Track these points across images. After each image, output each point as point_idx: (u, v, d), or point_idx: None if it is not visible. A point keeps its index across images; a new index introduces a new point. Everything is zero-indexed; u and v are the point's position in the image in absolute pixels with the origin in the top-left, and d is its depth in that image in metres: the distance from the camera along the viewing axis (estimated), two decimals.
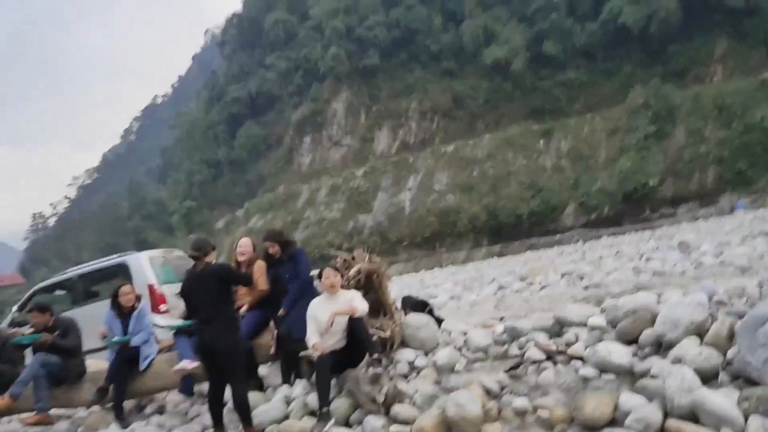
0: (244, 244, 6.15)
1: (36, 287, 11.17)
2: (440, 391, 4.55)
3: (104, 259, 11.16)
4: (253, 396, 5.30)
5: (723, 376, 3.71)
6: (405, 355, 5.41)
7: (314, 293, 5.69)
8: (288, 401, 5.18)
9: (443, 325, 6.06)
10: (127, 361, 6.32)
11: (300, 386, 5.30)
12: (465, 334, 5.76)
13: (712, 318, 4.07)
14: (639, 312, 4.33)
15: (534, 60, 59.76)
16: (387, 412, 4.38)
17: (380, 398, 4.43)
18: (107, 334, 6.50)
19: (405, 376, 5.07)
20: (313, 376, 5.37)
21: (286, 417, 4.97)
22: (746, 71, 49.63)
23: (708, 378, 3.69)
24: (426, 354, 5.49)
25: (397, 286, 15.87)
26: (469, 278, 19.08)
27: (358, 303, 5.05)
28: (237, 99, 74.16)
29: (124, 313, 6.59)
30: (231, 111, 74.68)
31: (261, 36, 76.37)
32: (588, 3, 61.16)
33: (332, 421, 4.57)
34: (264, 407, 5.17)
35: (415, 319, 5.77)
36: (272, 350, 5.79)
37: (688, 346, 3.81)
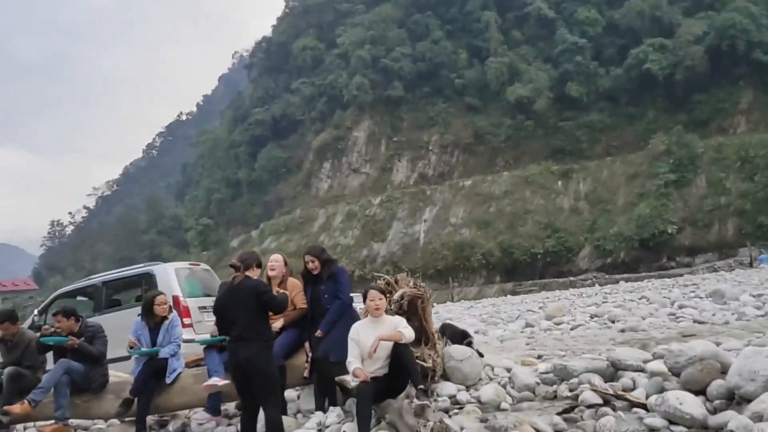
0: (276, 260, 5.82)
1: (57, 292, 11.12)
2: (487, 429, 4.31)
3: (129, 267, 11.13)
4: (284, 420, 5.03)
5: None
6: (446, 389, 5.19)
7: (354, 315, 5.52)
8: (321, 428, 4.98)
9: (484, 359, 5.84)
10: (153, 374, 6.06)
11: (335, 414, 5.05)
12: (509, 370, 5.57)
13: None
14: (707, 361, 4.17)
15: (557, 101, 60.10)
16: None
17: None
18: (134, 344, 6.24)
19: (446, 411, 4.84)
20: (347, 403, 5.26)
21: None
22: None
23: None
24: (467, 389, 5.28)
25: None
26: (486, 313, 18.89)
27: (404, 329, 4.79)
28: (260, 121, 75.11)
29: (153, 323, 6.36)
30: (254, 132, 75.59)
31: (288, 61, 77.59)
32: (614, 48, 61.67)
33: None
34: None
35: (459, 350, 5.55)
36: (306, 373, 5.54)
37: None
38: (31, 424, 6.77)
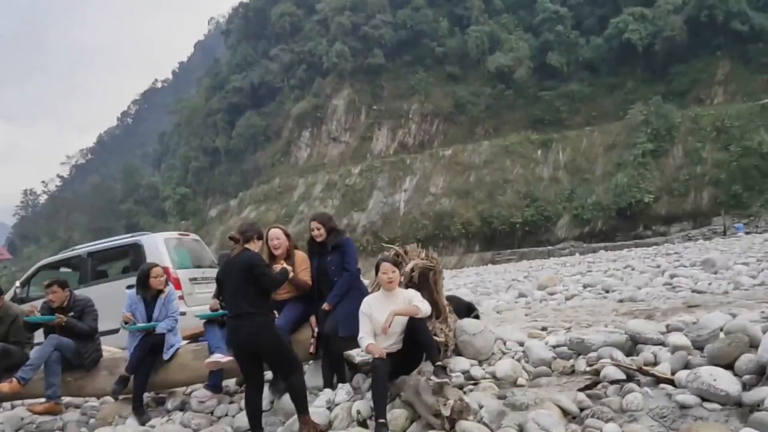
0: (277, 236, 5.37)
1: (40, 263, 10.69)
2: (506, 407, 4.17)
3: (116, 237, 10.80)
4: (288, 398, 4.82)
5: None
6: (459, 364, 5.00)
7: (362, 288, 5.30)
8: (330, 406, 4.75)
9: (495, 333, 5.59)
10: (150, 350, 5.77)
11: (344, 391, 4.85)
12: (521, 344, 5.42)
13: None
14: (735, 334, 4.09)
15: (537, 70, 60.05)
16: (451, 428, 3.97)
17: (446, 411, 3.98)
18: (129, 319, 5.89)
19: (460, 387, 4.65)
20: (354, 380, 5.12)
21: (330, 424, 4.55)
22: (747, 95, 50.07)
23: None
24: (480, 364, 5.11)
25: None
26: (471, 283, 18.92)
27: (419, 303, 4.57)
28: (238, 89, 73.84)
29: (149, 296, 6.00)
30: (231, 100, 74.36)
31: (266, 27, 76.10)
32: (594, 17, 61.52)
33: None
34: None
35: (471, 324, 5.34)
36: (312, 348, 5.31)
37: None
38: (20, 402, 6.45)
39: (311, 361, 5.55)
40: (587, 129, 54.84)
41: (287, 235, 5.55)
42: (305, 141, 68.05)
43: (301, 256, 5.53)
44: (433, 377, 4.41)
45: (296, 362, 4.59)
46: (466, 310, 5.84)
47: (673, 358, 4.35)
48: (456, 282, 21.50)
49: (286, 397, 4.87)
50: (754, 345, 4.06)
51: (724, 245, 22.11)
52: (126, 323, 5.94)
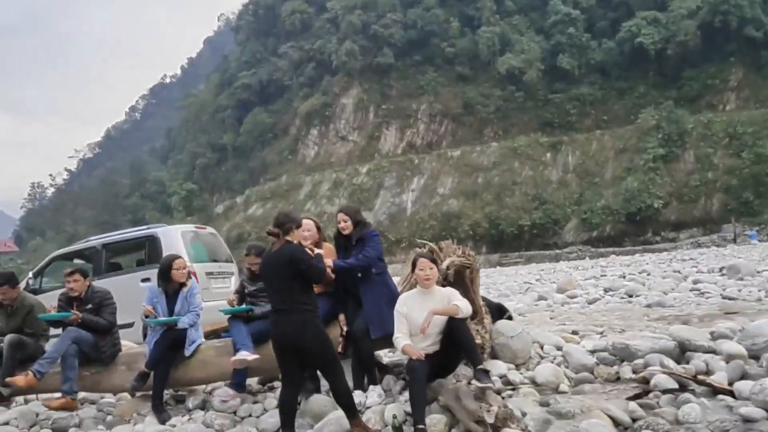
0: (308, 228, 5.16)
1: (54, 254, 10.57)
2: (551, 415, 3.97)
3: (132, 229, 10.59)
4: (318, 399, 4.77)
5: None
6: (496, 368, 4.80)
7: (389, 283, 5.10)
8: (361, 409, 4.55)
9: (532, 336, 5.42)
10: (170, 346, 5.53)
11: (375, 393, 4.65)
12: (559, 348, 5.21)
13: None
14: None
15: (548, 72, 59.77)
16: None
17: (489, 419, 3.78)
18: (150, 312, 5.65)
19: (497, 393, 4.42)
20: (383, 381, 4.94)
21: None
22: (760, 101, 49.80)
23: None
24: (517, 368, 4.93)
25: None
26: (482, 285, 18.71)
27: (459, 302, 4.33)
28: (247, 85, 73.75)
29: (171, 290, 5.77)
30: (240, 97, 74.27)
31: (276, 24, 76.03)
32: (607, 20, 61.25)
33: None
34: (333, 415, 4.49)
35: (507, 326, 5.18)
36: (340, 348, 5.06)
37: None
38: (33, 396, 6.16)
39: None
40: (597, 132, 54.67)
41: (318, 227, 5.39)
42: (313, 139, 67.92)
43: (328, 247, 5.32)
44: (474, 381, 4.19)
45: (339, 362, 4.39)
46: (497, 311, 5.59)
47: (728, 368, 4.14)
48: None
49: (315, 399, 4.70)
50: None
51: (741, 252, 21.89)
52: (147, 317, 5.72)
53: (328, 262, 5.01)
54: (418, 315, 4.36)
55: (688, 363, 4.54)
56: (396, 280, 5.46)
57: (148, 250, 9.42)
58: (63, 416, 5.47)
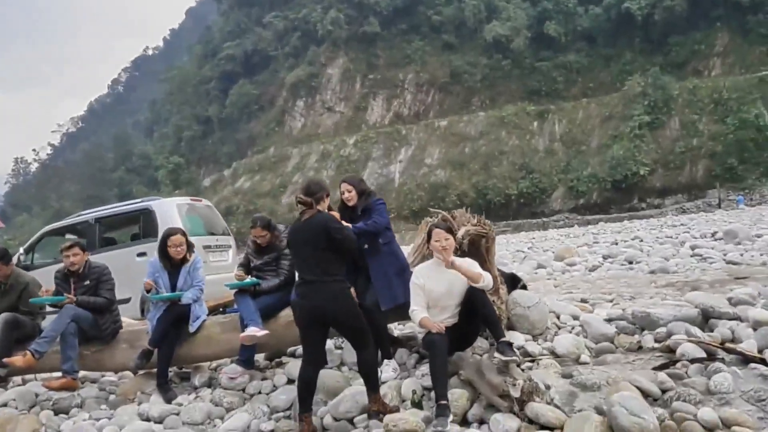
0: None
1: (45, 229, 10.38)
2: (575, 387, 3.80)
3: (126, 202, 10.35)
4: (331, 374, 4.70)
5: None
6: (514, 340, 4.54)
7: (397, 252, 4.94)
8: None
9: (548, 306, 5.18)
10: (174, 322, 5.41)
11: (390, 368, 4.52)
12: (576, 318, 5.02)
13: None
14: None
15: (535, 40, 59.34)
16: (521, 410, 3.63)
17: (515, 393, 3.63)
18: (151, 286, 5.45)
19: (517, 365, 4.22)
20: (398, 355, 4.87)
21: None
22: (745, 67, 49.82)
23: None
24: (535, 339, 4.76)
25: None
26: None
27: (481, 271, 4.11)
28: (231, 56, 72.73)
29: (172, 265, 5.58)
30: (224, 68, 73.26)
31: None
32: None
33: (451, 416, 3.77)
34: (349, 392, 4.33)
35: (524, 296, 4.97)
36: None
37: None
38: (32, 376, 6.03)
39: None
40: (584, 100, 54.57)
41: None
42: (299, 110, 67.36)
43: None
44: (498, 354, 4.04)
45: (370, 333, 4.26)
46: (510, 280, 5.36)
47: (757, 335, 4.01)
48: None
49: (329, 374, 4.66)
50: None
51: (731, 217, 22.02)
52: (148, 291, 5.53)
53: None
54: (435, 286, 4.26)
55: (712, 331, 4.43)
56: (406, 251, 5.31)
57: (142, 224, 9.29)
58: (64, 396, 5.31)
